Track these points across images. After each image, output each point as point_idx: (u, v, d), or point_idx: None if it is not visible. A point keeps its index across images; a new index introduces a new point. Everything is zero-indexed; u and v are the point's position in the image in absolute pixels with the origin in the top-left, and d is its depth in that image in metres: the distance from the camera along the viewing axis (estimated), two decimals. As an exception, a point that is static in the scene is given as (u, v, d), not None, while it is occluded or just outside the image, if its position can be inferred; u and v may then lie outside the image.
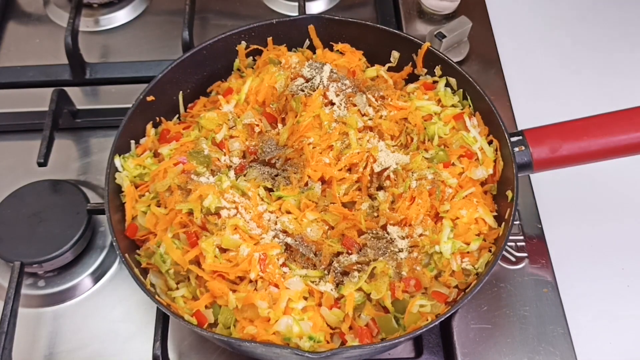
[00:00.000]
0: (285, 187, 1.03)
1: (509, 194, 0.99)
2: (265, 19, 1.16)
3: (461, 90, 1.11)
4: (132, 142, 1.09)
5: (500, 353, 1.00)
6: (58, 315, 1.10)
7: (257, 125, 1.10)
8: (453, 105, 1.10)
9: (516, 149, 1.00)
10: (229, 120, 1.10)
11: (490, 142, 1.05)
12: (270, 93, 1.11)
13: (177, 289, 0.97)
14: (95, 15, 1.44)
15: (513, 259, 1.08)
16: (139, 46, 1.40)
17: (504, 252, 1.07)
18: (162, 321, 1.00)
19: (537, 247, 1.09)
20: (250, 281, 0.93)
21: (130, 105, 1.07)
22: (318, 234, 0.99)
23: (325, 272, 0.98)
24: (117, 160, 1.04)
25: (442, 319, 0.89)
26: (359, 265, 0.97)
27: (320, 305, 0.94)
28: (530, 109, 1.28)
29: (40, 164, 1.14)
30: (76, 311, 1.10)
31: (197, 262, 0.95)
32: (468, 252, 0.97)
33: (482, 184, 1.04)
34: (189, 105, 1.16)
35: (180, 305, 0.95)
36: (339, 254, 0.99)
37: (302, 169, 1.03)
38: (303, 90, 1.09)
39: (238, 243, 0.94)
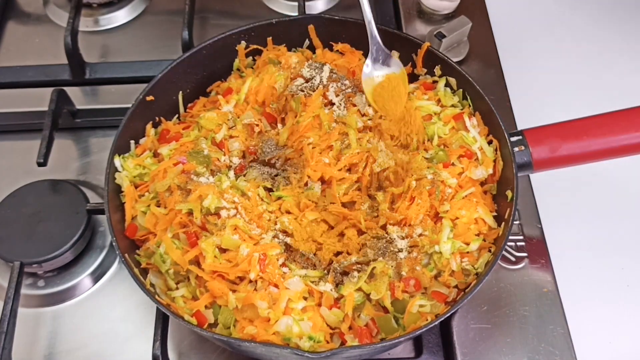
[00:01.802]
0: (285, 187, 1.03)
1: (509, 193, 0.99)
2: (265, 19, 1.16)
3: (461, 90, 1.11)
4: (132, 142, 1.09)
5: (500, 353, 1.00)
6: (58, 315, 1.09)
7: (257, 125, 1.10)
8: (453, 105, 1.10)
9: (516, 149, 1.00)
10: (228, 120, 1.10)
11: (490, 142, 1.05)
12: (270, 93, 1.11)
13: (177, 289, 0.97)
14: (95, 15, 1.44)
15: (513, 259, 1.08)
16: (139, 46, 1.40)
17: (504, 252, 1.07)
18: (162, 321, 0.99)
19: (537, 247, 1.09)
20: (250, 281, 0.93)
21: (130, 105, 1.07)
22: (318, 234, 0.99)
23: (325, 272, 0.98)
24: (117, 160, 1.04)
25: (442, 319, 0.89)
26: (359, 266, 0.97)
27: (320, 305, 0.94)
28: (530, 109, 1.27)
29: (39, 164, 1.14)
30: (76, 311, 1.10)
31: (197, 262, 0.95)
32: (468, 252, 0.97)
33: (482, 183, 1.04)
34: (189, 105, 1.16)
35: (180, 305, 0.95)
36: (338, 253, 1.00)
37: (302, 169, 1.03)
38: (303, 91, 1.09)
39: (238, 243, 0.94)
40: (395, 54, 1.16)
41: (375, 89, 1.06)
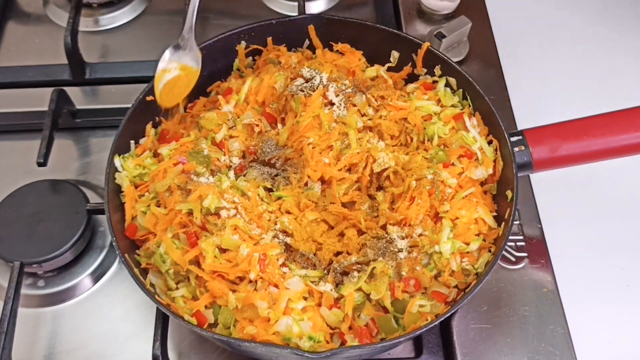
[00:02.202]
0: (285, 187, 1.03)
1: (509, 193, 0.99)
2: (265, 19, 1.16)
3: (461, 90, 1.11)
4: (132, 142, 1.09)
5: (500, 353, 1.00)
6: (58, 315, 1.10)
7: (257, 125, 1.10)
8: (453, 105, 1.10)
9: (516, 149, 1.00)
10: (228, 120, 1.10)
11: (490, 142, 1.05)
12: (270, 93, 1.11)
13: (177, 289, 0.97)
14: (95, 15, 1.44)
15: (513, 259, 1.08)
16: (139, 46, 1.40)
17: (504, 252, 1.07)
18: (162, 321, 0.99)
19: (537, 247, 1.09)
20: (250, 281, 0.93)
21: (130, 105, 1.07)
22: (318, 234, 0.99)
23: (325, 272, 0.98)
24: (117, 160, 1.04)
25: (442, 319, 0.89)
26: (359, 265, 0.97)
27: (320, 305, 0.94)
28: (530, 109, 1.27)
29: (40, 164, 1.14)
30: (76, 311, 1.10)
31: (197, 262, 0.95)
32: (468, 252, 0.97)
33: (482, 183, 1.04)
34: (189, 105, 1.16)
35: (180, 305, 0.95)
36: (338, 253, 0.99)
37: (302, 169, 1.03)
38: (303, 91, 1.09)
39: (238, 243, 0.94)
40: (394, 54, 1.16)
41: (168, 83, 1.04)
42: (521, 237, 1.10)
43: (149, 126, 1.11)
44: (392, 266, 0.96)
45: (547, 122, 1.03)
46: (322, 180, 1.03)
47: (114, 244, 0.95)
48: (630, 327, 1.09)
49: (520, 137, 1.01)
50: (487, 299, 1.04)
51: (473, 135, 1.05)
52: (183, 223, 0.98)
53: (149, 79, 1.09)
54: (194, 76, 1.05)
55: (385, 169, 1.03)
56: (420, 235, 0.98)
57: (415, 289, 0.95)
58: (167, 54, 1.05)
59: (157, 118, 1.12)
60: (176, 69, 1.05)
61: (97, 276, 1.13)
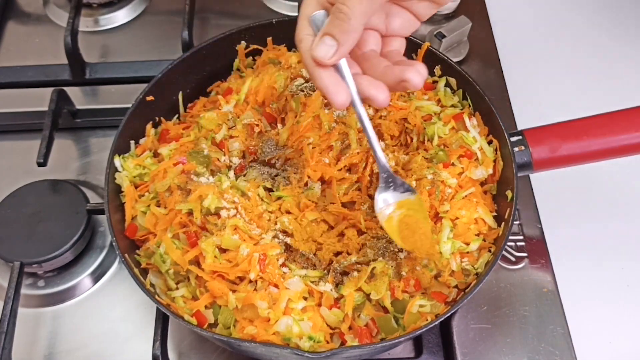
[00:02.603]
0: (285, 187, 1.03)
1: (509, 193, 0.99)
2: (265, 19, 1.16)
3: (461, 90, 1.11)
4: (132, 142, 1.09)
5: (500, 353, 1.00)
6: (58, 315, 1.09)
7: (257, 125, 1.10)
8: (453, 105, 1.10)
9: (516, 149, 1.00)
10: (228, 120, 1.10)
11: (490, 142, 1.05)
12: (270, 93, 1.11)
13: (177, 289, 0.97)
14: (95, 15, 1.44)
15: (513, 259, 1.08)
16: (139, 46, 1.40)
17: (504, 252, 1.07)
18: (162, 321, 0.99)
19: (537, 247, 1.09)
20: (250, 281, 0.93)
21: (130, 105, 1.07)
22: (318, 234, 0.99)
23: (325, 272, 0.98)
24: (117, 160, 1.04)
25: (442, 319, 0.89)
26: (359, 266, 0.97)
27: (320, 305, 0.94)
28: (530, 109, 1.28)
29: (39, 164, 1.14)
30: (76, 311, 1.10)
31: (197, 262, 0.95)
32: (468, 252, 0.97)
33: (482, 183, 1.04)
34: (189, 105, 1.16)
35: (180, 305, 0.95)
36: (338, 253, 0.99)
37: (302, 169, 1.03)
38: (303, 91, 1.09)
39: (238, 243, 0.94)
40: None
41: (400, 228, 0.91)
42: (521, 237, 1.10)
43: (149, 126, 1.11)
44: (392, 266, 0.96)
45: (547, 122, 1.03)
46: (322, 180, 1.03)
47: (114, 244, 0.95)
48: (630, 327, 1.09)
49: (520, 137, 1.01)
50: (487, 299, 1.04)
51: (473, 135, 1.05)
52: (183, 223, 0.98)
53: (149, 79, 1.09)
54: (419, 204, 0.92)
55: (386, 169, 1.03)
56: (420, 235, 0.98)
57: (415, 289, 0.95)
58: (379, 201, 0.92)
59: (157, 118, 1.12)
60: (395, 210, 0.92)
61: (97, 276, 1.13)
